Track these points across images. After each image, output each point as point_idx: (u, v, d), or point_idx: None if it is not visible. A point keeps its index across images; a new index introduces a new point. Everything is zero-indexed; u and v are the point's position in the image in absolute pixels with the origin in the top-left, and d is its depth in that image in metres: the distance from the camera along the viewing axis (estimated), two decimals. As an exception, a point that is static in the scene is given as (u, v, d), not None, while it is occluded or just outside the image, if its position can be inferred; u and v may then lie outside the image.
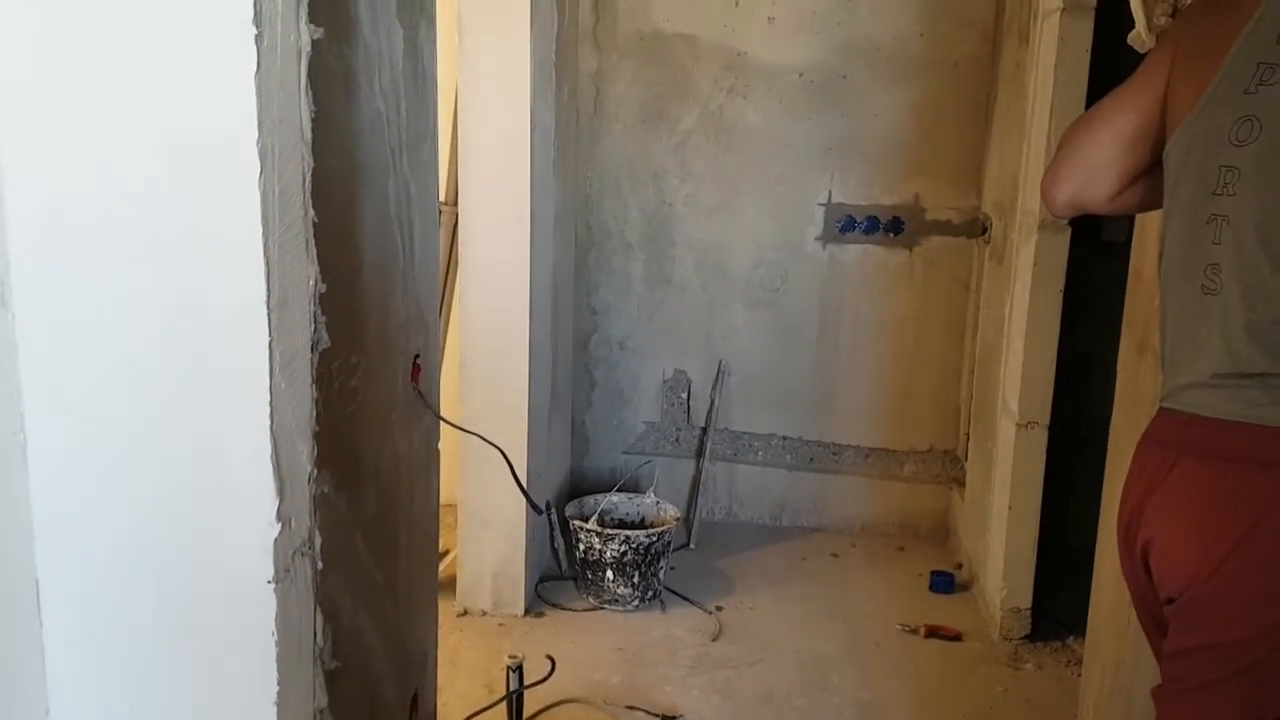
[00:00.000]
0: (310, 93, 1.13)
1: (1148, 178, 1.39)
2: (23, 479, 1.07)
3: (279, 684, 1.11)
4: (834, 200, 3.66)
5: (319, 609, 1.24)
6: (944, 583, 3.37)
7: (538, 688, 2.45)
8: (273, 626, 1.09)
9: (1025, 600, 2.99)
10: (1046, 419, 2.90)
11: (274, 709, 1.11)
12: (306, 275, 1.15)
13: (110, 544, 1.09)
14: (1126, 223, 2.20)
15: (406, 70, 1.64)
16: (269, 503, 1.07)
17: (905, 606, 3.24)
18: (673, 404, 3.87)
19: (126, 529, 1.09)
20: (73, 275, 1.04)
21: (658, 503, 3.46)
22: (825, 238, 3.69)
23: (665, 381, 3.86)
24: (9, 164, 1.02)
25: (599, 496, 3.43)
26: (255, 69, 1.00)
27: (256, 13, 1.00)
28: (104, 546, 1.09)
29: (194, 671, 1.12)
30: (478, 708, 2.46)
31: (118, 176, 1.03)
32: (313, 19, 1.13)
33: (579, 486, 3.81)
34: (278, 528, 1.08)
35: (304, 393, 1.15)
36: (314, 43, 1.13)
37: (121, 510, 1.08)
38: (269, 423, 1.06)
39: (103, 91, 1.01)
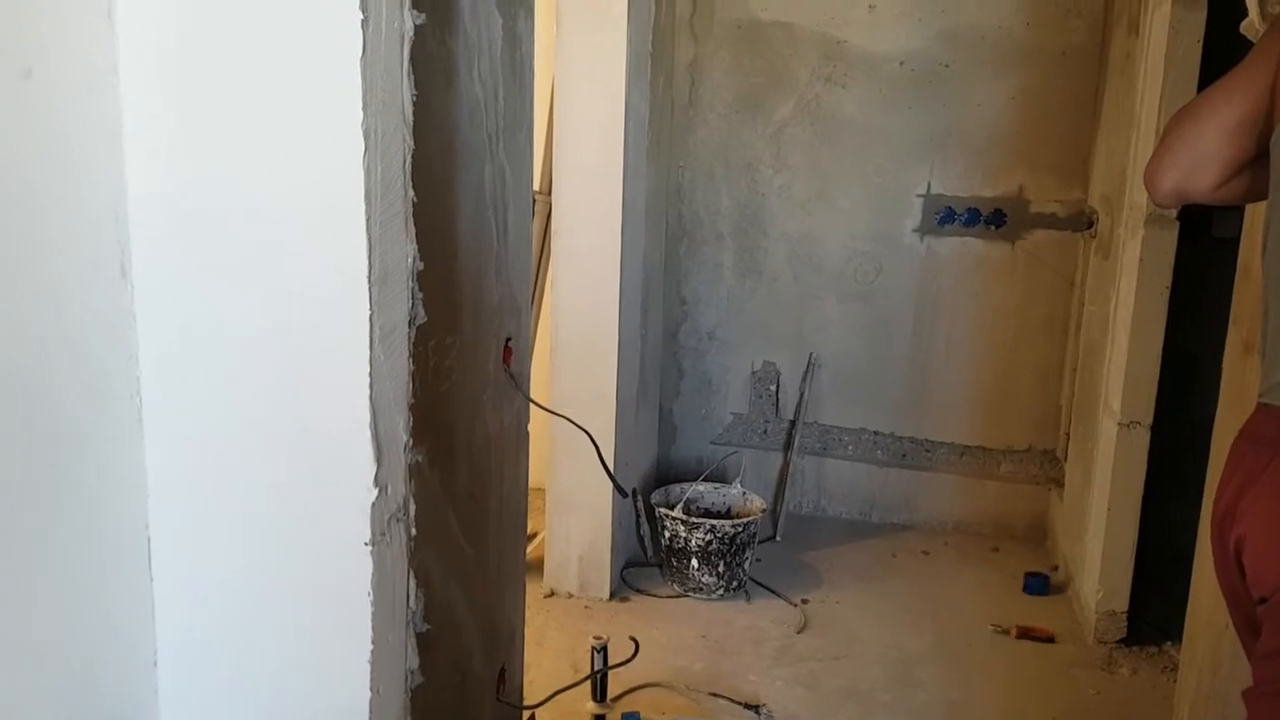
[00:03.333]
0: (412, 77, 1.18)
1: (1254, 167, 1.35)
2: (138, 440, 1.14)
3: (373, 642, 1.16)
4: (933, 192, 3.60)
5: (412, 574, 1.29)
6: (1038, 584, 3.30)
7: (621, 670, 2.48)
8: (369, 587, 1.14)
9: (1121, 604, 2.91)
10: (1149, 419, 2.81)
11: (368, 666, 1.16)
12: (405, 253, 1.20)
13: (218, 502, 1.16)
14: (1238, 217, 2.12)
15: (505, 59, 1.68)
16: (368, 468, 1.12)
17: (997, 607, 3.18)
18: (761, 396, 3.86)
19: (234, 489, 1.15)
20: (187, 248, 1.11)
21: (744, 493, 3.46)
22: (923, 230, 3.64)
23: (754, 373, 3.85)
24: (130, 144, 1.09)
25: (685, 485, 3.44)
26: (361, 53, 1.05)
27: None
28: (212, 505, 1.16)
29: (294, 627, 1.18)
30: (563, 685, 2.50)
31: (234, 153, 1.09)
32: (416, 6, 1.17)
33: (666, 475, 3.83)
34: (375, 492, 1.13)
35: (401, 366, 1.20)
36: (417, 29, 1.18)
37: (230, 471, 1.15)
38: (368, 392, 1.11)
39: (221, 75, 1.08)
